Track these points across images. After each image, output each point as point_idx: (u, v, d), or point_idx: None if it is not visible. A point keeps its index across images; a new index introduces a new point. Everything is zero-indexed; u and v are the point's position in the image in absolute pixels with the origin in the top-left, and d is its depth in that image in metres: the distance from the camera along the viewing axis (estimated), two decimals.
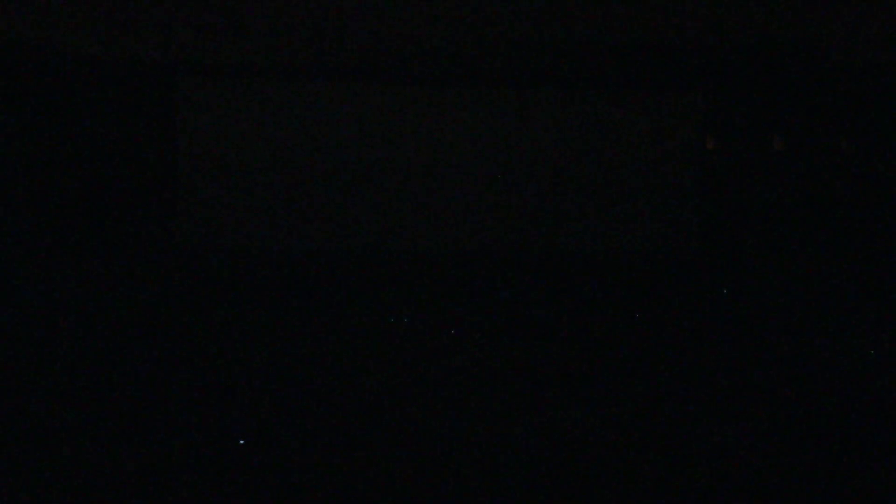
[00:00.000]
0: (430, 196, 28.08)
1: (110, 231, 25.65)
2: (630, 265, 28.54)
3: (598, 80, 29.65)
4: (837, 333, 24.46)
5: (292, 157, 27.60)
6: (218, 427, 14.59)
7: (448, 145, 28.32)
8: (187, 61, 27.50)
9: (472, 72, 28.60)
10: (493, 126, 28.62)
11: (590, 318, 25.88)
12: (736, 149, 29.76)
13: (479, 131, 28.40)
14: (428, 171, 28.11)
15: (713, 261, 29.15)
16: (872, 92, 28.92)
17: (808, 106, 28.71)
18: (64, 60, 25.73)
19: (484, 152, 28.35)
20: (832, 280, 27.42)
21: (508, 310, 26.42)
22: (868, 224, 29.23)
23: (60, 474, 10.60)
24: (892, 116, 28.58)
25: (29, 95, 25.91)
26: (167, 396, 16.16)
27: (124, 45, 26.54)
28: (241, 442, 9.42)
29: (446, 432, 15.11)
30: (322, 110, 27.85)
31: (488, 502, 9.74)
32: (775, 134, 29.49)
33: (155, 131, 26.91)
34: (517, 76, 29.15)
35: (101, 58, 26.43)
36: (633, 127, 29.09)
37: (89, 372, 17.32)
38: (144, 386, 16.07)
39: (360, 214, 27.80)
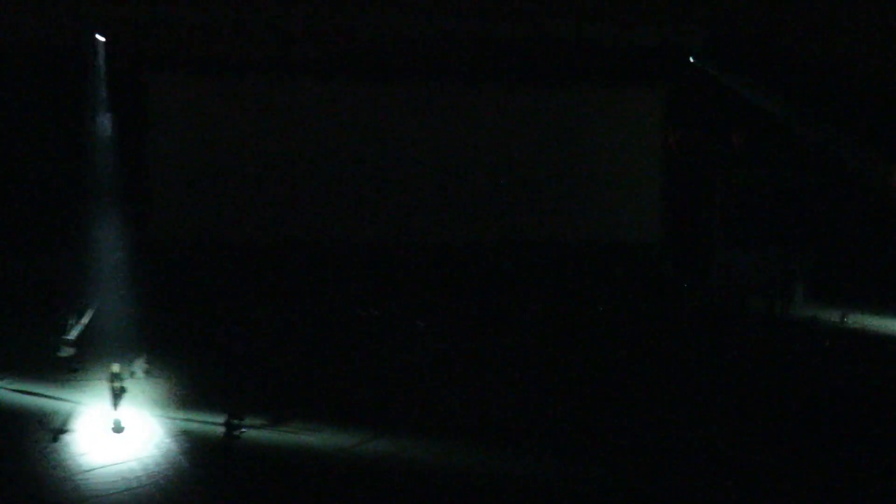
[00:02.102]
0: (407, 190, 28.45)
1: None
2: (599, 251, 29.15)
3: (571, 80, 30.17)
4: (786, 314, 25.31)
5: (265, 148, 27.95)
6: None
7: (427, 139, 28.71)
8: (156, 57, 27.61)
9: (446, 69, 28.92)
10: (468, 120, 29.03)
11: (562, 300, 26.62)
12: (697, 143, 30.36)
13: (445, 125, 28.75)
14: (405, 166, 28.45)
15: (675, 249, 29.76)
16: (828, 88, 29.66)
17: (765, 102, 29.35)
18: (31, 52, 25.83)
19: (451, 145, 28.66)
20: (787, 266, 28.10)
21: (487, 293, 27.07)
22: (821, 213, 29.94)
23: None
24: (847, 111, 29.29)
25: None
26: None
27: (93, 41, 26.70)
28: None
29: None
30: (287, 105, 28.18)
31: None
32: (737, 130, 30.11)
33: (128, 126, 27.14)
34: (493, 75, 29.58)
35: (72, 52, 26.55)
36: (602, 122, 29.77)
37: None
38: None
39: (331, 207, 28.10)
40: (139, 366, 17.56)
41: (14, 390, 17.00)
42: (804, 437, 15.55)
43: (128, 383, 15.64)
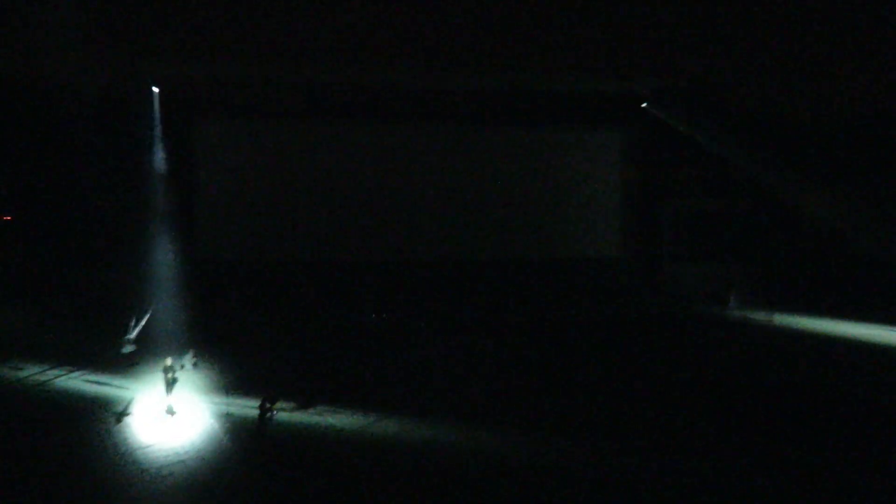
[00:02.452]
0: (411, 215, 28.55)
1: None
2: (570, 265, 29.36)
3: (545, 122, 30.27)
4: (723, 316, 25.43)
5: (294, 183, 28.05)
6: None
7: (427, 173, 28.84)
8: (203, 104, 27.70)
9: (442, 115, 29.03)
10: (460, 157, 29.07)
11: (538, 305, 26.71)
12: (650, 175, 30.51)
13: (442, 161, 28.83)
14: (409, 194, 28.51)
15: (631, 263, 29.91)
16: (756, 130, 29.87)
17: (705, 142, 29.54)
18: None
19: (446, 178, 28.75)
20: (724, 276, 28.30)
21: (478, 301, 27.18)
22: (751, 233, 30.08)
23: None
24: (771, 149, 29.50)
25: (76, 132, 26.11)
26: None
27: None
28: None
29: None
30: (311, 144, 28.31)
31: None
32: (683, 167, 30.35)
33: (179, 163, 27.19)
34: (482, 120, 29.69)
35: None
36: (572, 160, 29.89)
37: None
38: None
39: (347, 229, 28.17)
40: (188, 360, 17.60)
41: (87, 380, 16.98)
42: (736, 406, 15.60)
43: (178, 374, 15.57)
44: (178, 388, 15.08)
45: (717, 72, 30.50)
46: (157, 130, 27.11)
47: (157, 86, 27.29)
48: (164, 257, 25.77)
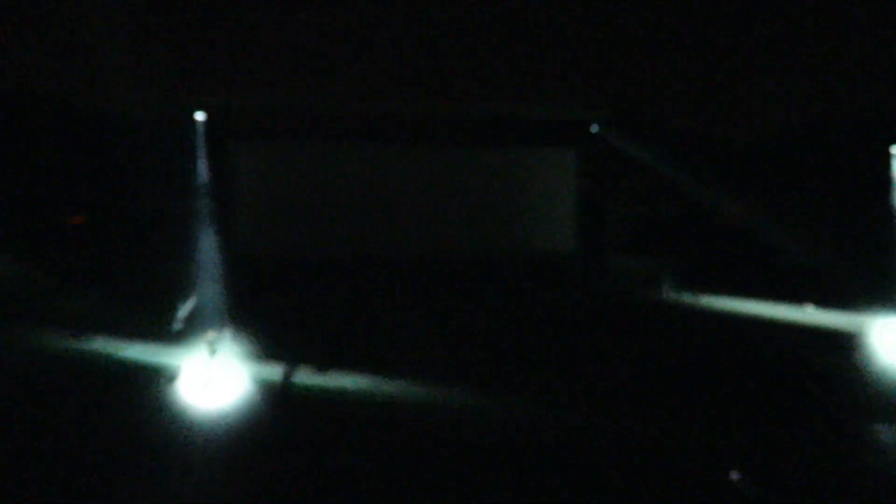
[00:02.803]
0: (408, 218, 28.77)
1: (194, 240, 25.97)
2: (533, 259, 29.43)
3: (511, 142, 30.34)
4: (659, 301, 25.60)
5: (312, 193, 28.10)
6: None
7: (419, 184, 28.90)
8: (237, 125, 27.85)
9: (438, 135, 29.20)
10: (445, 172, 29.20)
11: (506, 291, 26.87)
12: (599, 186, 30.51)
13: (441, 177, 29.08)
14: (407, 203, 28.77)
15: (583, 257, 29.97)
16: (688, 149, 30.06)
17: (645, 158, 29.67)
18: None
19: (444, 191, 29.09)
20: (660, 269, 28.37)
21: (462, 288, 27.31)
22: (683, 233, 30.12)
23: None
24: (701, 164, 29.62)
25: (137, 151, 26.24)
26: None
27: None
28: None
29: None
30: (332, 162, 28.47)
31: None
32: (625, 178, 30.36)
33: (221, 177, 27.23)
34: (465, 139, 29.83)
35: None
36: (535, 172, 29.98)
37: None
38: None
39: (358, 230, 28.32)
40: (226, 335, 17.61)
41: (143, 351, 17.16)
42: (658, 369, 15.87)
43: (219, 346, 15.70)
44: (217, 357, 15.27)
45: (650, 103, 30.88)
46: (201, 149, 27.23)
47: (200, 112, 27.34)
48: (208, 253, 25.90)
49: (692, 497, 9.24)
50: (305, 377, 14.98)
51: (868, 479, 9.60)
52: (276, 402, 13.35)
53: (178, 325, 18.08)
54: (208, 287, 23.16)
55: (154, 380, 14.65)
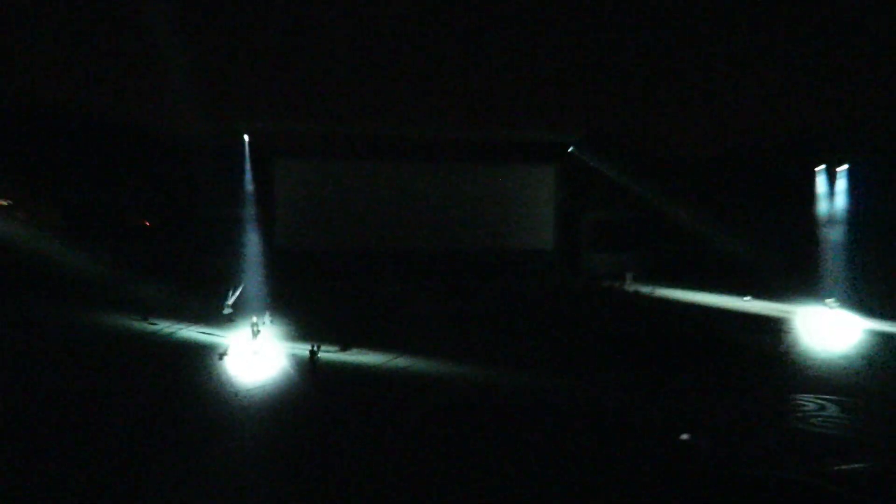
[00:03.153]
0: (418, 221, 28.93)
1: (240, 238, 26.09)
2: (519, 257, 29.47)
3: (504, 160, 30.55)
4: (621, 289, 25.58)
5: (338, 200, 28.30)
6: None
7: (427, 193, 29.09)
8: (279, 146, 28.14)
9: (443, 155, 29.56)
10: (448, 183, 29.35)
11: (499, 280, 26.95)
12: (573, 195, 30.64)
13: (446, 188, 29.31)
14: (417, 208, 29.00)
15: (561, 253, 29.99)
16: (645, 165, 30.17)
17: (611, 173, 29.81)
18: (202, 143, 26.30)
19: (449, 199, 29.30)
20: (622, 263, 28.41)
21: (457, 278, 27.01)
22: (642, 233, 30.22)
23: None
24: (655, 175, 29.71)
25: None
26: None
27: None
28: None
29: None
30: (355, 174, 28.63)
31: None
32: (595, 190, 30.59)
33: (264, 186, 27.45)
34: (465, 158, 30.09)
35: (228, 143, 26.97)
36: (522, 185, 30.13)
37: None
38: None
39: (377, 230, 28.53)
40: (267, 318, 17.67)
41: (200, 332, 17.16)
42: (621, 342, 15.79)
43: (261, 328, 15.71)
44: (259, 337, 15.29)
45: (615, 129, 31.08)
46: (248, 164, 27.34)
47: (247, 135, 27.44)
48: (252, 250, 26.00)
49: (652, 453, 9.20)
50: (331, 354, 14.96)
51: (794, 437, 9.57)
52: (303, 370, 13.34)
53: (227, 310, 18.08)
54: (252, 277, 23.25)
55: (208, 356, 14.66)
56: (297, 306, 20.58)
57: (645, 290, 25.07)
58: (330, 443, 9.99)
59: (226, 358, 14.34)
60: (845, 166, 27.42)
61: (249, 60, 29.15)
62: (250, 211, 27.00)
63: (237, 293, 18.74)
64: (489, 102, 32.80)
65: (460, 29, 31.42)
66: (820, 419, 10.92)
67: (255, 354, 14.48)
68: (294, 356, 14.55)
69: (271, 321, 17.75)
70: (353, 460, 9.32)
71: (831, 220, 27.67)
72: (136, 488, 8.24)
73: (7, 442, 9.71)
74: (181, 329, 17.53)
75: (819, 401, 11.91)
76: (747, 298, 22.90)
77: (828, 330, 18.02)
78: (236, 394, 12.03)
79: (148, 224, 27.70)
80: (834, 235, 27.13)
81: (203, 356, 14.73)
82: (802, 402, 11.81)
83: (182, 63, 23.84)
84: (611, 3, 31.76)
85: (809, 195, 28.11)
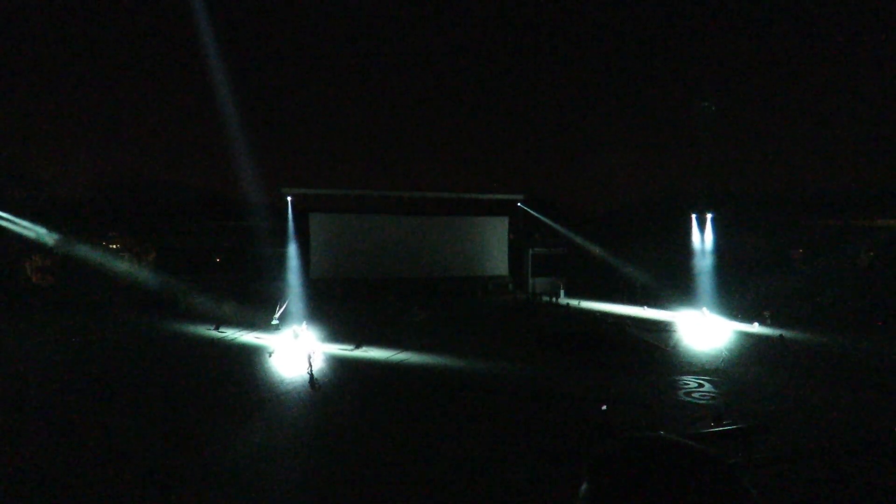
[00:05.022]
0: (411, 256, 28.85)
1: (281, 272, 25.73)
2: (483, 281, 29.46)
3: (473, 213, 30.76)
4: (555, 303, 25.58)
5: (358, 241, 28.27)
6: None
7: (417, 236, 29.10)
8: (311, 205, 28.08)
9: (427, 210, 29.75)
10: (435, 231, 29.51)
11: (468, 299, 26.95)
12: (520, 237, 30.76)
13: (431, 233, 29.37)
14: (411, 247, 28.87)
15: (513, 277, 30.03)
16: (575, 216, 30.52)
17: (549, 221, 30.08)
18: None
19: (433, 240, 29.31)
20: (556, 284, 28.50)
21: (440, 296, 27.24)
22: (570, 264, 30.34)
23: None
24: (581, 226, 30.03)
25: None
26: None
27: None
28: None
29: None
30: (363, 225, 28.64)
31: None
32: (536, 233, 30.82)
33: (302, 234, 27.19)
34: (445, 212, 30.27)
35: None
36: (485, 230, 30.40)
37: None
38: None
39: (381, 262, 28.36)
40: (307, 327, 17.41)
41: (255, 337, 16.97)
42: (548, 339, 15.71)
43: (299, 334, 15.53)
44: (298, 340, 15.13)
45: (547, 189, 31.76)
46: (290, 217, 27.28)
47: (290, 197, 27.43)
48: (293, 278, 25.78)
49: (574, 415, 9.28)
50: (346, 352, 14.83)
51: (680, 410, 9.68)
52: (332, 365, 13.21)
53: (275, 322, 17.90)
54: (294, 297, 23.07)
55: (261, 354, 14.47)
56: (325, 318, 20.43)
57: (573, 302, 25.21)
58: (351, 416, 9.89)
59: (274, 355, 14.21)
60: (711, 214, 28.16)
61: (292, 149, 30.04)
62: (292, 250, 26.83)
63: (282, 309, 18.61)
64: (463, 174, 33.79)
65: (445, 129, 32.37)
66: (698, 394, 11.08)
67: (296, 353, 14.34)
68: (324, 353, 14.45)
69: (306, 329, 17.48)
70: (364, 412, 9.25)
71: (702, 252, 28.20)
72: (230, 435, 8.26)
73: (128, 404, 9.47)
74: (242, 335, 17.34)
75: (697, 380, 12.08)
76: (644, 307, 23.15)
77: (702, 329, 18.28)
78: (282, 383, 11.85)
79: (218, 260, 27.41)
80: (704, 263, 27.57)
81: (258, 354, 14.59)
82: (685, 381, 11.96)
83: (244, 147, 24.20)
84: (553, 105, 32.91)
85: (686, 235, 28.71)
